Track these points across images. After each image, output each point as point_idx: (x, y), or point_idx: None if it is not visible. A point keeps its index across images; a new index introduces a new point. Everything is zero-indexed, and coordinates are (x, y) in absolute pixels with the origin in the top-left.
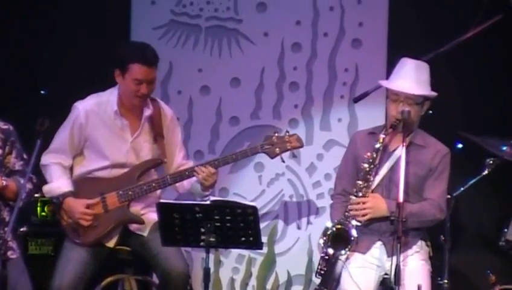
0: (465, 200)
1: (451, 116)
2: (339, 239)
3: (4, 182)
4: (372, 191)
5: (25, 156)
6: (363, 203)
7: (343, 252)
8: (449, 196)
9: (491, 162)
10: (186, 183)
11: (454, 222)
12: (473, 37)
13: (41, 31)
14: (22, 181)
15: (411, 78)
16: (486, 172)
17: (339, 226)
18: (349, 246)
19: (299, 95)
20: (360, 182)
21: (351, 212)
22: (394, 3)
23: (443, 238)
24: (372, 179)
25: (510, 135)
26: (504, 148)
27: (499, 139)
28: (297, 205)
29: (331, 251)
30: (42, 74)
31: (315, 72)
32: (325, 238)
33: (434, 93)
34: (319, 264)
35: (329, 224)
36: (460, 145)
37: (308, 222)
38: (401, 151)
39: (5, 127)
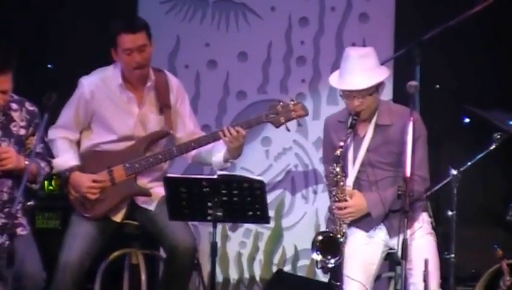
0: (472, 174)
1: (458, 90)
2: (329, 246)
3: (27, 162)
4: (357, 178)
5: (46, 139)
6: (345, 207)
7: (332, 261)
8: (455, 172)
9: (498, 136)
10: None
11: (461, 197)
12: (482, 10)
13: (49, 6)
14: (42, 164)
15: (357, 71)
16: (493, 146)
17: (330, 235)
18: (338, 257)
19: (307, 69)
20: (333, 190)
21: (336, 215)
22: None
23: (450, 212)
24: (343, 183)
25: None
26: (511, 122)
27: (506, 113)
28: (304, 178)
29: (318, 257)
30: (49, 48)
31: (322, 47)
32: (317, 252)
33: (385, 77)
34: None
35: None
36: (467, 120)
37: (315, 195)
38: (370, 135)
39: (32, 108)
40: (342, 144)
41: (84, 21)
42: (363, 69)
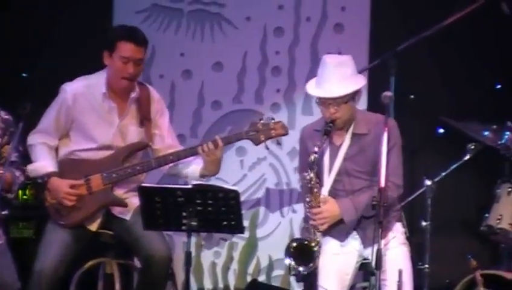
0: (447, 185)
1: (433, 101)
2: (302, 253)
3: (1, 171)
4: (332, 187)
5: (20, 148)
6: (319, 213)
7: (301, 269)
8: (430, 182)
9: (473, 147)
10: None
11: (435, 207)
12: (455, 22)
13: (23, 14)
14: (16, 173)
15: (333, 79)
16: (467, 157)
17: (304, 243)
18: (310, 264)
19: (282, 79)
20: (307, 197)
21: (311, 222)
22: None
23: (424, 222)
24: (317, 190)
25: (491, 120)
26: (486, 133)
27: (481, 124)
28: (278, 189)
29: (291, 263)
30: (24, 57)
31: (297, 57)
32: (290, 258)
33: (361, 85)
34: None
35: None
36: (441, 131)
37: (290, 207)
38: (347, 145)
39: (6, 117)
40: (316, 149)
41: (59, 30)
42: (339, 77)
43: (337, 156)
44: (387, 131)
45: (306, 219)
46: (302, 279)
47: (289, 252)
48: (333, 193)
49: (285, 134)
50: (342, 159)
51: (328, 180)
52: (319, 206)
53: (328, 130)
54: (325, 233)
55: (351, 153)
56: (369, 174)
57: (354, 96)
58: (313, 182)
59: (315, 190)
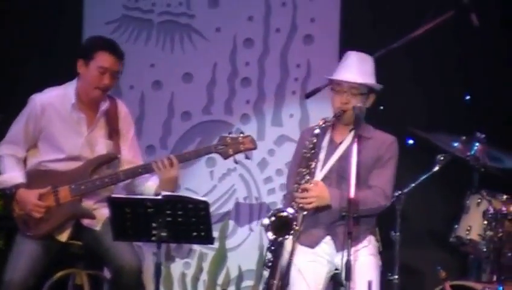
0: (416, 196)
1: (403, 112)
2: (281, 227)
3: None
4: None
5: None
6: (307, 191)
7: (286, 237)
8: (400, 192)
9: (442, 158)
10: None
11: (405, 218)
12: (424, 33)
13: None
14: None
15: (354, 68)
16: (437, 168)
17: (280, 214)
18: (291, 231)
19: (251, 90)
20: (302, 169)
21: (297, 200)
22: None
23: (393, 233)
24: (313, 165)
25: (461, 131)
26: (455, 144)
27: (450, 135)
28: (248, 200)
29: (272, 236)
30: None
31: (267, 68)
32: (268, 225)
33: (378, 85)
34: (265, 256)
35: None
36: (411, 141)
37: (259, 218)
38: (347, 144)
39: None
40: (321, 124)
41: (29, 40)
42: (360, 69)
43: (334, 154)
44: (388, 145)
45: (292, 197)
46: (271, 265)
47: (267, 228)
48: None
49: (254, 148)
50: (337, 157)
51: (318, 175)
52: (311, 185)
53: (339, 114)
54: (297, 241)
55: (348, 154)
56: (357, 178)
57: (368, 93)
58: (313, 152)
59: (312, 165)
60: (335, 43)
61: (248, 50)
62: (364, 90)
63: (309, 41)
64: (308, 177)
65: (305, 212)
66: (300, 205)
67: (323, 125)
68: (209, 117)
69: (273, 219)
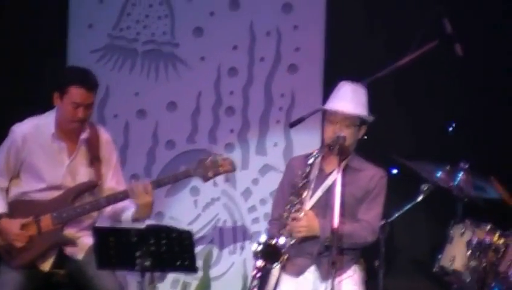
0: (400, 225)
1: (386, 140)
2: (271, 254)
3: None
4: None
5: None
6: (299, 220)
7: (274, 264)
8: (384, 221)
9: (426, 188)
10: (118, 210)
11: (389, 247)
12: (409, 63)
13: None
14: None
15: (348, 99)
16: (420, 198)
17: (270, 241)
18: (281, 258)
19: (236, 119)
20: (292, 198)
21: (287, 227)
22: (331, 29)
23: (377, 263)
24: (305, 194)
25: (446, 160)
26: (438, 174)
27: (434, 164)
28: (232, 230)
29: (261, 263)
30: None
31: (251, 97)
32: (258, 252)
33: (371, 117)
34: (250, 284)
35: (262, 238)
36: (395, 171)
37: (243, 247)
38: (336, 175)
39: None
40: (316, 154)
41: (12, 68)
42: (354, 99)
43: (322, 184)
44: (378, 179)
45: (281, 224)
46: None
47: (257, 255)
48: None
49: (233, 170)
50: (326, 188)
51: (307, 205)
52: (301, 214)
53: (332, 145)
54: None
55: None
56: (346, 210)
57: (361, 125)
58: (305, 181)
59: (303, 194)
60: (319, 72)
61: (232, 79)
62: (357, 121)
63: (293, 70)
64: (298, 206)
65: (292, 241)
66: (289, 232)
67: (317, 155)
68: (193, 146)
69: (262, 246)
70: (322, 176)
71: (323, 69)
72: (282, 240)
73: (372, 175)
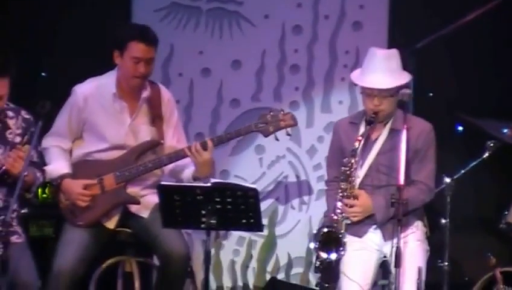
0: (466, 182)
1: (452, 99)
2: (330, 241)
3: (25, 173)
4: (361, 182)
5: (39, 148)
6: (353, 206)
7: (334, 256)
8: (449, 180)
9: (492, 144)
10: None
11: (454, 205)
12: (473, 20)
13: (41, 14)
14: (37, 174)
15: (381, 70)
16: (486, 155)
17: (331, 230)
18: (341, 249)
19: (300, 77)
20: (343, 184)
21: (343, 214)
22: None
23: (443, 220)
24: (354, 179)
25: (510, 117)
26: (505, 130)
27: (500, 121)
28: (297, 186)
29: (324, 255)
30: (43, 56)
31: (316, 55)
32: (317, 243)
33: (407, 80)
34: (316, 260)
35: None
36: (460, 128)
37: (309, 203)
38: (383, 139)
39: (27, 117)
40: (360, 138)
41: (77, 29)
42: (387, 70)
43: (371, 151)
44: (426, 136)
45: (334, 209)
46: (323, 268)
47: (318, 237)
48: (360, 187)
49: (295, 125)
50: (375, 154)
51: (359, 174)
52: (354, 197)
53: (372, 120)
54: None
55: (385, 148)
56: (397, 171)
57: (398, 90)
58: (352, 170)
59: (352, 178)
60: (384, 30)
61: (297, 37)
62: (394, 90)
63: (358, 28)
64: (350, 191)
65: (348, 222)
66: (345, 217)
67: (361, 140)
68: (258, 104)
69: (320, 239)
70: (369, 143)
71: (387, 26)
72: (339, 228)
73: (418, 133)
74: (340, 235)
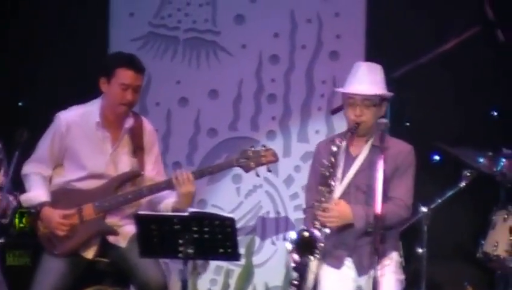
0: (443, 211)
1: (428, 128)
2: (306, 246)
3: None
4: (340, 198)
5: (11, 173)
6: (329, 211)
7: (311, 257)
8: (426, 209)
9: (468, 174)
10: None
11: (431, 234)
12: (450, 49)
13: (20, 43)
14: (10, 198)
15: (365, 80)
16: (463, 184)
17: (305, 234)
18: (316, 251)
19: (277, 106)
20: (322, 188)
21: (319, 218)
22: (371, 16)
23: (420, 249)
24: (333, 183)
25: (487, 146)
26: (481, 160)
27: (476, 150)
28: (275, 215)
29: (297, 257)
30: (21, 85)
31: (293, 84)
32: (292, 246)
33: (389, 93)
34: (291, 274)
35: (292, 235)
36: (437, 157)
37: (286, 232)
38: (364, 155)
39: None
40: (338, 143)
41: (55, 59)
42: (371, 80)
43: (351, 167)
44: (406, 154)
45: (313, 219)
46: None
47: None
48: None
49: (276, 161)
50: (355, 171)
51: (338, 189)
52: (332, 204)
53: (354, 128)
54: (323, 259)
55: (365, 166)
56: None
57: (381, 102)
58: (331, 170)
59: (331, 182)
60: (360, 59)
61: (274, 66)
62: (376, 100)
63: (334, 57)
64: (328, 196)
65: (328, 231)
66: (322, 223)
67: (339, 144)
68: (235, 134)
69: (296, 240)
70: (350, 159)
71: (364, 55)
72: (317, 232)
73: (399, 151)
74: (316, 241)
